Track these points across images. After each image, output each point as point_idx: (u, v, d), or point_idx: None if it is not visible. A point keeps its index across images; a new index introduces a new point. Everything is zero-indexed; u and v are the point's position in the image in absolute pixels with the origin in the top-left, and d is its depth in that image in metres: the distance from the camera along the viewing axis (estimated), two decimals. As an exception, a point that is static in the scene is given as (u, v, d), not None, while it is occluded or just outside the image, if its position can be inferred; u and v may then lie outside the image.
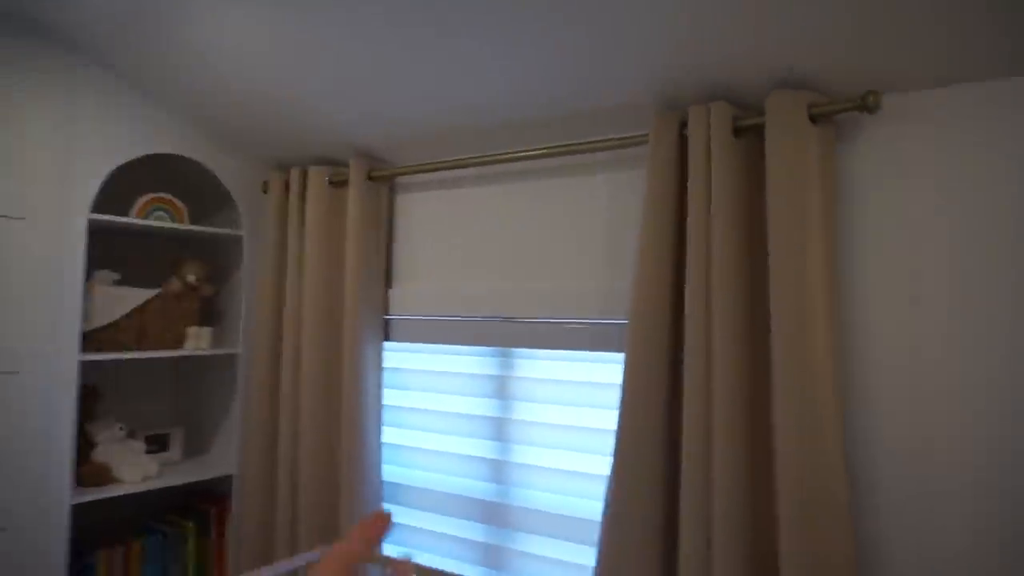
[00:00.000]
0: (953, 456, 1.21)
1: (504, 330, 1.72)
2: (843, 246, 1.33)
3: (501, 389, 1.76)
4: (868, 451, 1.29)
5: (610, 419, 1.58)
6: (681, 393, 1.37)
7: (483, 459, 1.76)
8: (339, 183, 1.94)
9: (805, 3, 1.14)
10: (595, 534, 1.57)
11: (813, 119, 1.28)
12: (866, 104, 1.23)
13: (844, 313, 1.32)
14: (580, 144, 1.56)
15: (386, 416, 1.93)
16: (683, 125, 1.40)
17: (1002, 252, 1.19)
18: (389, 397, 1.94)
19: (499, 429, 1.75)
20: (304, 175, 1.97)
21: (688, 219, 1.36)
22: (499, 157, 1.68)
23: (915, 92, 1.28)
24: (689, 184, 1.36)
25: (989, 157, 1.21)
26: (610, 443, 1.56)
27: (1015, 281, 1.18)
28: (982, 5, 1.08)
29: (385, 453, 1.91)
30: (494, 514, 1.73)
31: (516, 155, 1.65)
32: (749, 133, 1.36)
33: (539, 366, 1.71)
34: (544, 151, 1.61)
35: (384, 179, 1.91)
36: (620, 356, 1.48)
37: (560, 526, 1.63)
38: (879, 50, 1.20)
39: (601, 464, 1.59)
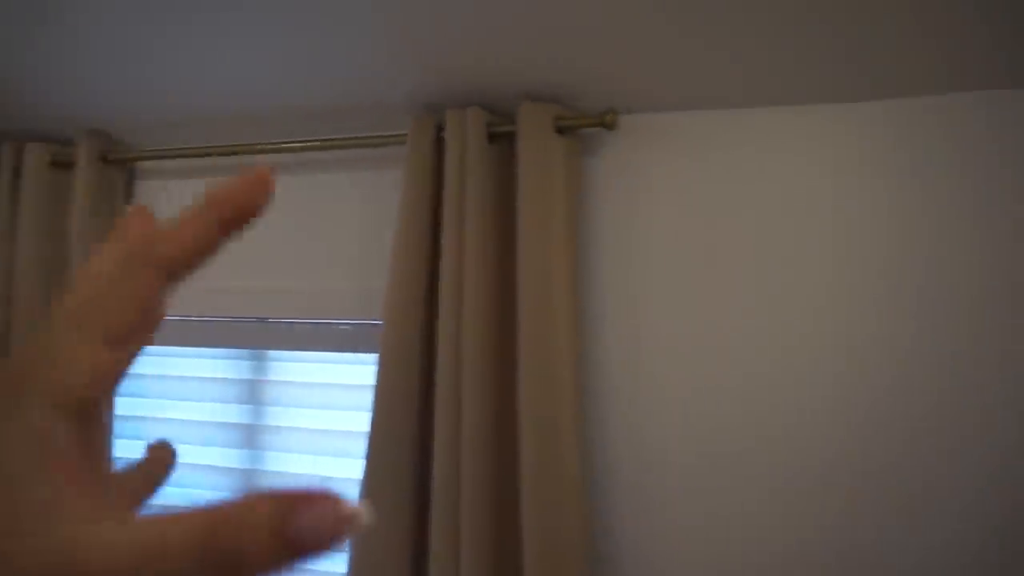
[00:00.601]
0: (680, 450, 1.35)
1: (257, 331, 1.62)
2: (586, 250, 1.42)
3: (253, 394, 1.65)
4: (604, 445, 1.39)
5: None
6: (434, 396, 1.38)
7: (233, 469, 1.65)
8: (64, 164, 1.70)
9: (552, 21, 1.20)
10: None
11: (560, 131, 1.35)
12: (604, 121, 1.32)
13: (585, 318, 1.41)
14: (338, 140, 1.51)
15: (122, 427, 1.73)
16: (440, 128, 1.41)
17: (729, 271, 1.34)
18: (125, 407, 1.74)
19: (251, 436, 1.64)
20: (19, 151, 1.70)
21: (443, 222, 1.37)
22: (254, 148, 1.57)
23: (656, 114, 1.40)
24: (445, 188, 1.37)
25: (722, 182, 1.36)
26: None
27: (736, 297, 1.33)
28: (725, 32, 1.20)
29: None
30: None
31: (271, 147, 1.56)
32: (503, 140, 1.40)
33: (295, 368, 1.63)
34: (301, 145, 1.54)
35: (121, 163, 1.70)
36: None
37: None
38: (623, 70, 1.30)
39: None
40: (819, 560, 1.26)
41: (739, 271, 1.33)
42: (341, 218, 1.59)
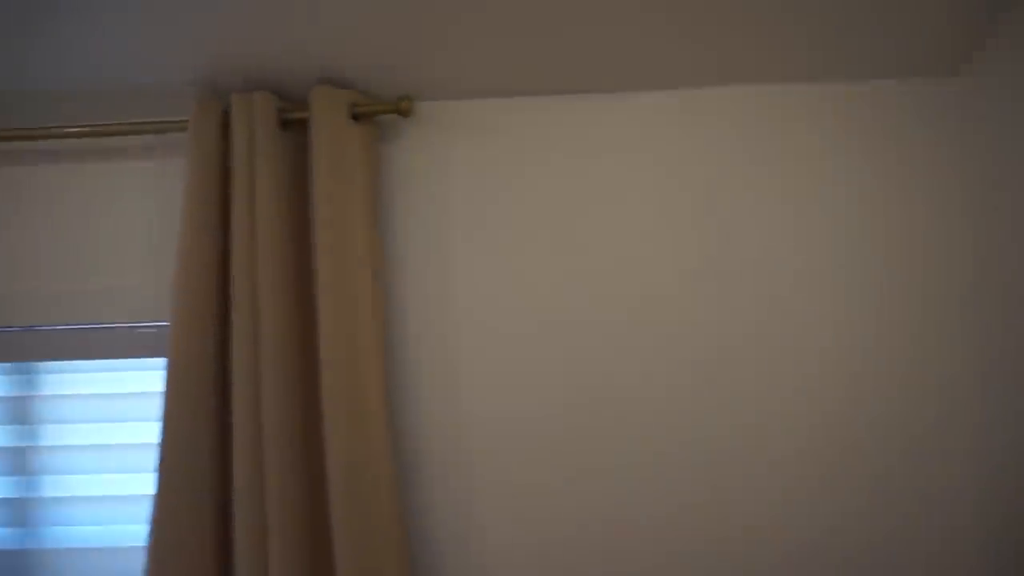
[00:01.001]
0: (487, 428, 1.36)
1: (23, 341, 1.44)
2: (390, 239, 1.39)
3: (21, 413, 1.46)
4: (417, 438, 1.37)
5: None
6: (230, 400, 1.29)
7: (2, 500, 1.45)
8: None
9: (344, 3, 1.16)
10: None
11: (356, 117, 1.31)
12: (400, 108, 1.30)
13: (392, 309, 1.38)
14: (114, 126, 1.37)
15: None
16: (227, 114, 1.32)
17: (535, 256, 1.37)
18: None
19: (21, 461, 1.45)
20: None
21: (232, 214, 1.28)
22: (21, 133, 1.38)
23: (455, 101, 1.40)
24: (233, 177, 1.29)
25: (521, 167, 1.38)
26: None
27: (544, 282, 1.37)
28: (522, 21, 1.21)
29: None
30: (17, 566, 1.44)
31: (41, 133, 1.38)
32: (296, 127, 1.34)
33: (73, 380, 1.46)
34: (76, 131, 1.37)
35: None
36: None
37: (103, 560, 1.42)
38: (419, 56, 1.29)
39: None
40: (639, 545, 1.32)
41: (545, 256, 1.37)
42: (123, 212, 1.45)
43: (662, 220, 1.36)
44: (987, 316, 1.28)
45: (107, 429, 1.45)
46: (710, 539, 1.31)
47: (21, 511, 1.45)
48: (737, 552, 1.30)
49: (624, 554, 1.32)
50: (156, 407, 1.30)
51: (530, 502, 1.34)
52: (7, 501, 1.45)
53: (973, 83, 1.30)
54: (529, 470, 1.35)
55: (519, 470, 1.35)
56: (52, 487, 1.45)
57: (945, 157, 1.33)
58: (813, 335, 1.33)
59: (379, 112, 1.32)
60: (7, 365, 1.47)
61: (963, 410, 1.30)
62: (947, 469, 1.30)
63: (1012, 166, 1.19)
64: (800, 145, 1.35)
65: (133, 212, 1.45)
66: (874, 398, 1.31)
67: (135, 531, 1.42)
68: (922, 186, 1.33)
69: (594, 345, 1.35)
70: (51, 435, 1.46)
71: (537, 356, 1.36)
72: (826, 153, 1.35)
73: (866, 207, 1.34)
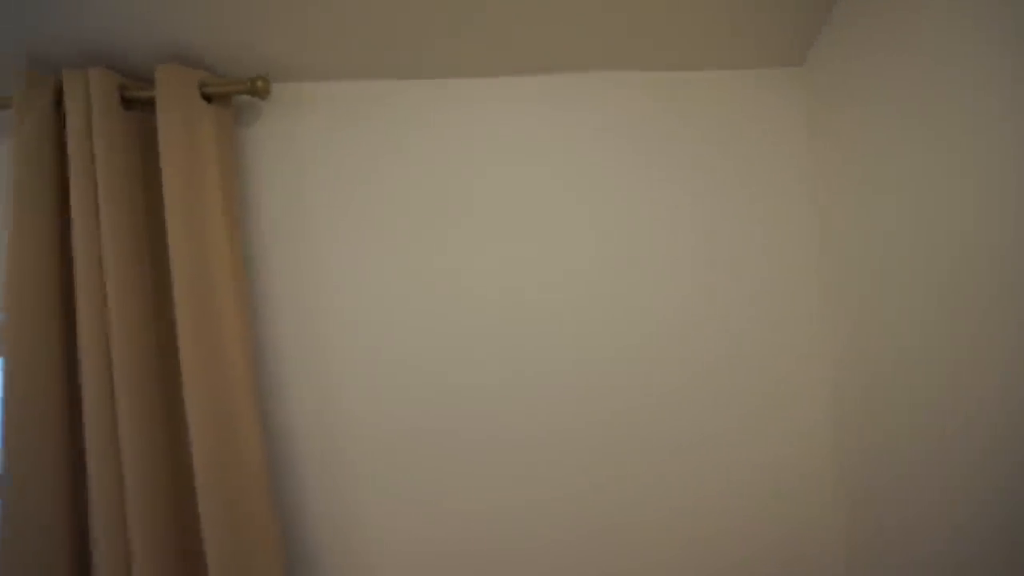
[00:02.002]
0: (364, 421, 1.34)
1: None
2: (251, 227, 1.33)
3: None
4: (283, 441, 1.33)
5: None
6: (80, 401, 1.21)
7: None
8: None
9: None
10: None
11: (208, 98, 1.24)
12: (255, 89, 1.24)
13: (259, 298, 1.33)
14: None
15: None
16: (61, 91, 1.21)
17: (391, 246, 1.35)
18: None
19: None
20: None
21: (72, 199, 1.19)
22: None
23: (307, 83, 1.34)
24: (70, 158, 1.19)
25: (382, 150, 1.35)
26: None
27: (410, 265, 1.35)
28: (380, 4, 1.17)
29: None
30: None
31: None
32: (142, 107, 1.25)
33: None
34: None
35: None
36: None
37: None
38: (273, 35, 1.23)
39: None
40: (528, 528, 1.34)
41: (408, 244, 1.36)
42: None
43: (528, 207, 1.37)
44: (833, 293, 1.37)
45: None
46: (598, 519, 1.35)
47: None
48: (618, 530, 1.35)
49: (506, 544, 1.34)
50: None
51: (409, 497, 1.33)
52: None
53: (818, 71, 1.37)
54: (406, 464, 1.34)
55: (396, 465, 1.34)
56: None
57: (795, 144, 1.41)
58: (678, 324, 1.38)
59: (233, 92, 1.25)
60: None
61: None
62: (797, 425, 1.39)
63: (853, 150, 1.27)
64: (661, 132, 1.40)
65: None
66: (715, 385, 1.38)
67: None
68: (771, 173, 1.40)
69: (462, 335, 1.35)
70: None
71: (406, 347, 1.34)
72: (684, 140, 1.40)
73: (720, 196, 1.40)
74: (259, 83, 1.24)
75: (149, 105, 1.25)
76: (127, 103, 1.24)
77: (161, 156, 1.20)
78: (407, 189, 1.36)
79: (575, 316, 1.37)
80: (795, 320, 1.39)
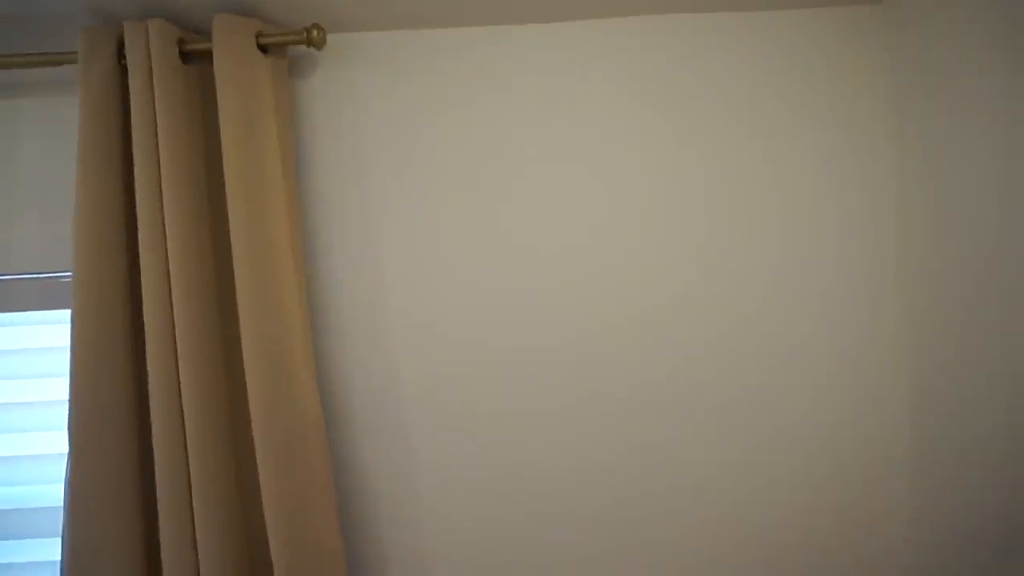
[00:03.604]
0: (414, 377, 1.33)
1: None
2: (306, 178, 1.33)
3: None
4: (342, 387, 1.34)
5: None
6: (143, 351, 1.23)
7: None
8: None
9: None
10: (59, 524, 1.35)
11: (264, 49, 1.23)
12: (311, 38, 1.22)
13: (313, 249, 1.33)
14: (3, 58, 1.25)
15: None
16: (123, 44, 1.22)
17: (451, 200, 1.33)
18: None
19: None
20: None
21: (135, 153, 1.20)
22: None
23: (364, 33, 1.32)
24: (132, 112, 1.20)
25: (438, 101, 1.32)
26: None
27: (467, 218, 1.33)
28: None
29: None
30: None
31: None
32: (199, 59, 1.25)
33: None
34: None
35: None
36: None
37: (18, 521, 1.37)
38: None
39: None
40: (567, 489, 1.33)
41: (471, 198, 1.33)
42: (13, 152, 1.34)
43: (591, 157, 1.33)
44: (911, 243, 1.29)
45: (11, 386, 1.37)
46: (633, 484, 1.33)
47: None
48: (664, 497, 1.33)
49: (557, 504, 1.33)
50: (65, 362, 1.23)
51: (462, 458, 1.34)
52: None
53: (896, 10, 1.28)
54: (460, 423, 1.34)
55: (450, 424, 1.34)
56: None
57: (871, 84, 1.32)
58: (728, 275, 1.33)
59: (288, 42, 1.24)
60: None
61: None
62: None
63: (936, 91, 1.19)
64: (731, 77, 1.33)
65: (28, 154, 1.34)
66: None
67: (51, 491, 1.37)
68: (851, 114, 1.32)
69: (521, 293, 1.33)
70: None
71: (466, 305, 1.33)
72: (756, 83, 1.33)
73: (794, 144, 1.33)
74: (315, 32, 1.22)
75: (207, 57, 1.25)
76: (185, 56, 1.23)
77: (219, 106, 1.20)
78: (466, 141, 1.33)
79: (630, 274, 1.33)
80: (869, 282, 1.32)
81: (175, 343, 1.21)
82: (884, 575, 1.33)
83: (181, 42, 1.22)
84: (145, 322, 1.21)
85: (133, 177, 1.21)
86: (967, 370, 1.11)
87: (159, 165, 1.20)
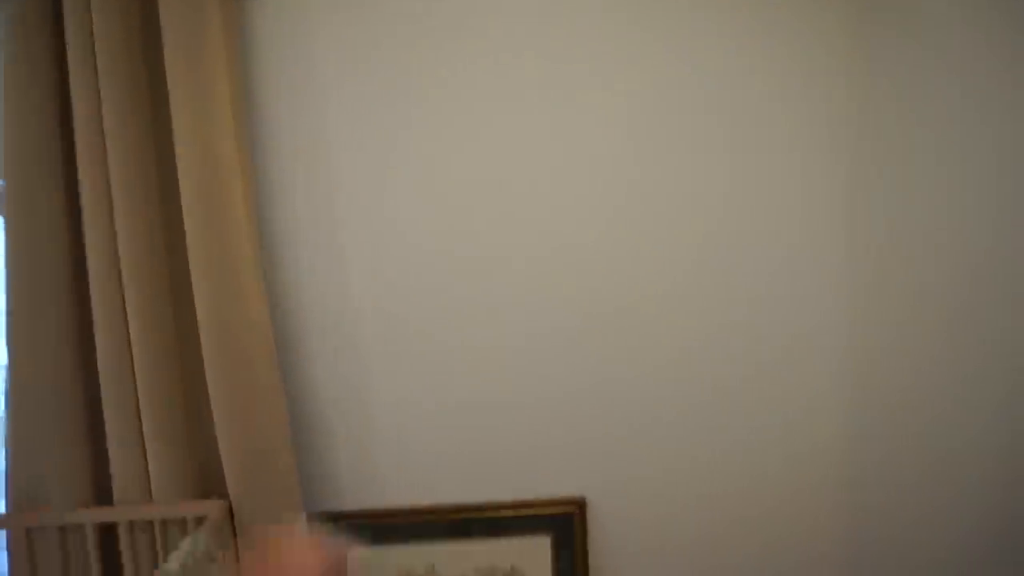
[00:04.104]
0: (368, 297, 1.36)
1: None
2: (256, 98, 1.32)
3: None
4: (295, 303, 1.36)
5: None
6: (86, 264, 1.24)
7: None
8: None
9: None
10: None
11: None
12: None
13: (264, 168, 1.33)
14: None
15: None
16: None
17: (411, 110, 1.34)
18: None
19: None
20: None
21: (71, 74, 1.18)
22: None
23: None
24: (67, 29, 1.17)
25: (394, 18, 1.32)
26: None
27: (422, 137, 1.34)
28: None
29: None
30: None
31: None
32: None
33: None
34: None
35: None
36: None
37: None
38: None
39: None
40: (520, 417, 1.40)
41: (425, 124, 1.34)
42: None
43: (544, 89, 1.35)
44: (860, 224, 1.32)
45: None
46: (587, 417, 1.40)
47: None
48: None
49: (510, 414, 1.39)
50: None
51: (416, 378, 1.39)
52: None
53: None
54: (413, 345, 1.38)
55: (403, 346, 1.38)
56: None
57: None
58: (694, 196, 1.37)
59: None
60: None
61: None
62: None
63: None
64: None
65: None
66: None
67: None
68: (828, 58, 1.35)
69: (476, 213, 1.37)
70: None
71: (424, 220, 1.36)
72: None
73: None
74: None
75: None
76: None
77: (163, 29, 1.19)
78: (419, 64, 1.33)
79: (595, 202, 1.37)
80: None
81: (116, 249, 1.21)
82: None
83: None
84: (85, 229, 1.21)
85: (68, 84, 1.20)
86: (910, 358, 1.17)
87: (97, 86, 1.19)
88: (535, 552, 1.42)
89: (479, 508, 1.41)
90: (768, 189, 1.36)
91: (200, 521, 1.26)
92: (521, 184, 1.36)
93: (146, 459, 1.27)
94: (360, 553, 1.41)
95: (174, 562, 1.06)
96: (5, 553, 1.30)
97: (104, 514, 1.25)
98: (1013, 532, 0.85)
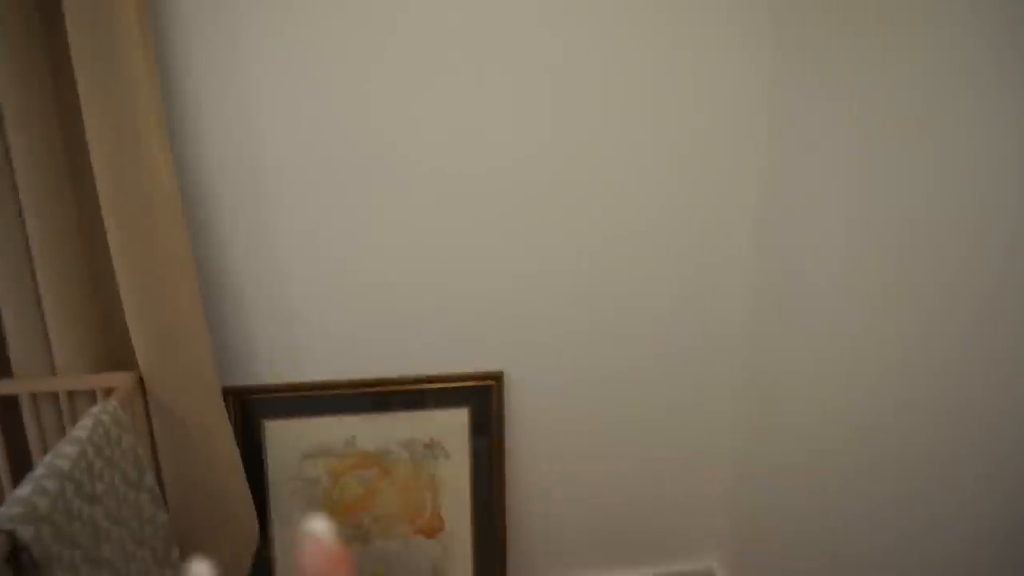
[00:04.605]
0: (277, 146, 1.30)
1: None
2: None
3: None
4: (200, 159, 1.28)
5: None
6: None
7: None
8: None
9: None
10: None
11: None
12: None
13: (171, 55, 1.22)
14: None
15: None
16: None
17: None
18: None
19: None
20: None
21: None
22: None
23: None
24: None
25: None
26: None
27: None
28: None
29: None
30: None
31: None
32: None
33: None
34: None
35: None
36: None
37: None
38: None
39: None
40: (450, 270, 1.38)
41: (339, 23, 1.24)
42: None
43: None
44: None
45: None
46: (492, 269, 1.40)
47: None
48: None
49: (430, 292, 1.38)
50: None
51: (337, 248, 1.35)
52: None
53: None
54: (336, 216, 1.34)
55: (324, 217, 1.34)
56: None
57: None
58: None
59: None
60: None
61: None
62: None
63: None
64: None
65: None
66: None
67: None
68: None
69: (396, 68, 1.30)
70: None
71: (339, 100, 1.28)
72: None
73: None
74: None
75: None
76: None
77: None
78: None
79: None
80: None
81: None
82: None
83: None
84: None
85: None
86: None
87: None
88: (454, 423, 1.46)
89: (399, 382, 1.43)
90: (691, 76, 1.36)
91: (109, 393, 1.23)
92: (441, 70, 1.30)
93: (47, 332, 1.21)
94: (279, 427, 1.42)
95: (81, 430, 1.03)
96: None
97: (3, 386, 1.20)
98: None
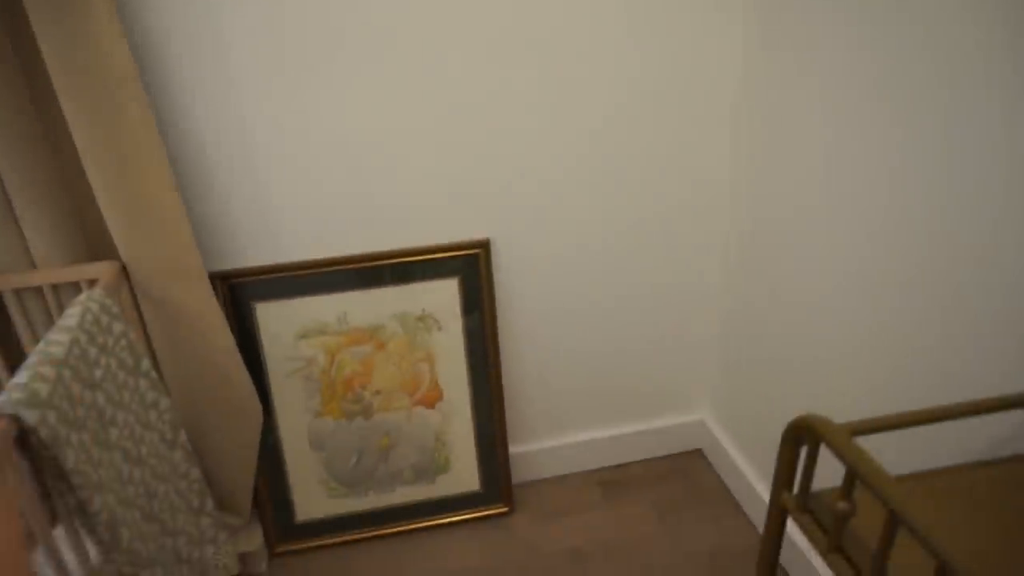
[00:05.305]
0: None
1: None
2: None
3: None
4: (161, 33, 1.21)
5: None
6: None
7: None
8: None
9: None
10: None
11: None
12: None
13: None
14: None
15: None
16: None
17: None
18: None
19: None
20: None
21: None
22: None
23: None
24: None
25: None
26: None
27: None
28: None
29: None
30: None
31: None
32: None
33: None
34: None
35: None
36: None
37: None
38: None
39: None
40: (435, 140, 1.33)
41: None
42: None
43: None
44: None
45: None
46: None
47: None
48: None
49: (413, 163, 1.34)
50: None
51: (318, 122, 1.29)
52: None
53: None
54: (315, 88, 1.26)
55: (301, 88, 1.26)
56: None
57: None
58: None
59: None
60: None
61: None
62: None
63: None
64: None
65: None
66: None
67: None
68: None
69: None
70: None
71: None
72: None
73: None
74: None
75: None
76: None
77: None
78: None
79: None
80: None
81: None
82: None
83: None
84: None
85: None
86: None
87: None
88: (444, 294, 1.47)
89: (388, 256, 1.42)
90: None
91: (93, 284, 1.21)
92: None
93: (20, 227, 1.18)
94: (270, 308, 1.42)
95: (70, 319, 1.02)
96: None
97: (-16, 284, 1.18)
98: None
